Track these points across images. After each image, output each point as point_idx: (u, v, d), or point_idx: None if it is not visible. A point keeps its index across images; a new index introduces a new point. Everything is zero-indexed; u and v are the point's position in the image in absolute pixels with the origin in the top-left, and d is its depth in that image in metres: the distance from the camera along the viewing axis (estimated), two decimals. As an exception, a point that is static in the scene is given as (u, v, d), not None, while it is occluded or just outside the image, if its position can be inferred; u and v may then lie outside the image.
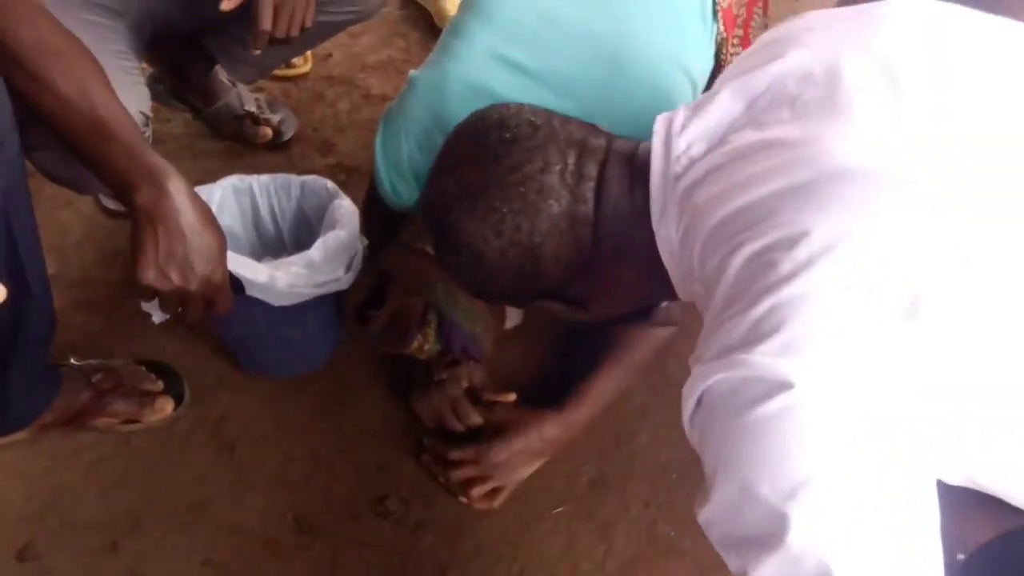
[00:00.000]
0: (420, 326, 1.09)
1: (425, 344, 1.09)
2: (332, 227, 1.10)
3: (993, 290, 0.56)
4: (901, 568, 0.52)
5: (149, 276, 0.85)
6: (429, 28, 1.95)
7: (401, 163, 1.09)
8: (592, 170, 0.77)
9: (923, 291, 0.55)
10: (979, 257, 0.56)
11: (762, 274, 0.59)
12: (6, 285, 0.56)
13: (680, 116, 0.75)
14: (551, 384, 1.22)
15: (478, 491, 1.12)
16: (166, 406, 1.18)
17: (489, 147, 0.78)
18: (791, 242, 0.58)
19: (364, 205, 1.23)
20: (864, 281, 0.55)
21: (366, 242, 1.14)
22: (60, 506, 1.09)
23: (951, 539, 0.54)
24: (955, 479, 0.60)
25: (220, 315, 0.94)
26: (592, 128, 0.82)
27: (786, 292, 0.56)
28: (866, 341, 0.54)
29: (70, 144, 0.85)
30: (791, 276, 0.57)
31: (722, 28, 1.11)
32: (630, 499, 1.16)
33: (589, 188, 0.77)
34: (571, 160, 0.77)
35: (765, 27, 1.22)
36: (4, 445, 1.12)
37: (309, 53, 1.78)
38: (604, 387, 1.16)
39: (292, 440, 1.19)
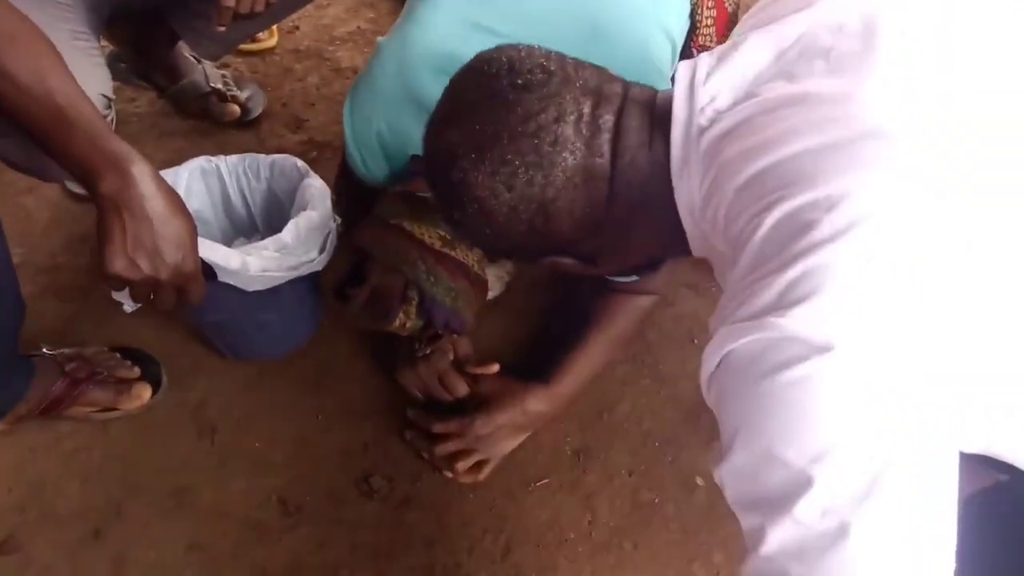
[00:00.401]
0: (401, 303, 1.07)
1: (407, 321, 1.08)
2: (303, 207, 1.08)
3: (996, 275, 0.55)
4: (916, 531, 0.52)
5: (117, 266, 0.83)
6: (397, -3, 1.92)
7: (370, 136, 1.07)
8: (609, 120, 0.72)
9: (927, 274, 0.54)
10: (982, 241, 0.55)
11: (799, 235, 0.56)
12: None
13: (703, 65, 0.71)
14: (534, 356, 1.22)
15: (463, 465, 1.12)
16: (143, 392, 1.16)
17: (499, 93, 0.71)
18: (831, 204, 0.56)
19: (336, 181, 1.20)
20: (882, 256, 0.54)
21: (339, 220, 1.12)
22: (40, 497, 1.08)
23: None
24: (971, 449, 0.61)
25: (193, 303, 0.92)
26: (605, 73, 0.77)
27: (823, 256, 0.54)
28: (894, 314, 0.53)
29: (29, 133, 0.82)
30: (830, 239, 0.55)
31: (697, -13, 1.09)
32: (613, 468, 1.17)
33: (606, 140, 0.71)
34: (586, 109, 0.71)
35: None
36: (-21, 438, 1.10)
37: (275, 27, 1.74)
38: (588, 360, 1.16)
39: (274, 422, 1.19)
